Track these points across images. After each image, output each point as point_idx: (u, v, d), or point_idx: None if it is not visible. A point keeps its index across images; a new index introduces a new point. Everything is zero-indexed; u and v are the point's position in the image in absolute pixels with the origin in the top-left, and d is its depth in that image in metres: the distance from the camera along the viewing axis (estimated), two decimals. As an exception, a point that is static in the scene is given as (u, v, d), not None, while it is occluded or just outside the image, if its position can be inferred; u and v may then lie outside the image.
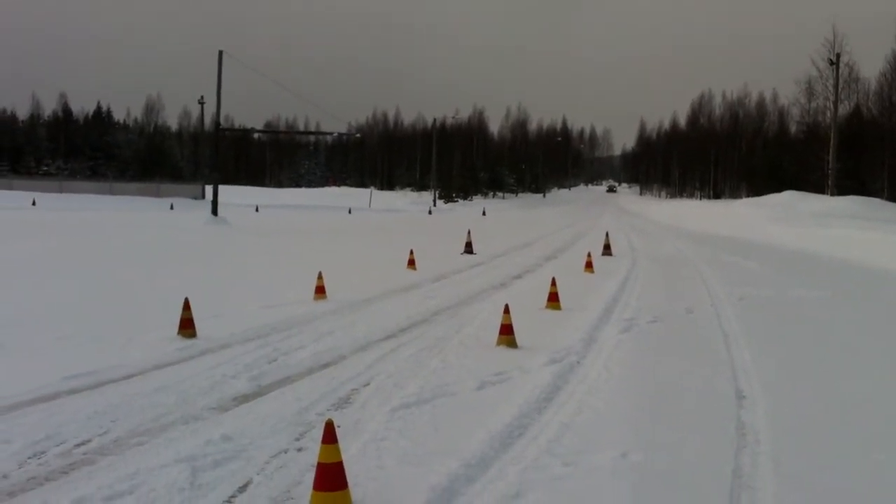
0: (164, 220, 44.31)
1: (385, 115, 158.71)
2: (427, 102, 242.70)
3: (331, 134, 71.30)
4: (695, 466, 5.89)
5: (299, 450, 6.18)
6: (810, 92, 66.09)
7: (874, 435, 6.87)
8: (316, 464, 5.10)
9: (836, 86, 52.12)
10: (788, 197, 48.78)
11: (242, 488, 5.37)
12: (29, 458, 5.82)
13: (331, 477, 5.00)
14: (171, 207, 61.61)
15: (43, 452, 5.95)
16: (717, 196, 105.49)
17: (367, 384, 8.28)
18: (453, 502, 5.17)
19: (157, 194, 76.51)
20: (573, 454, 6.09)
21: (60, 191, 75.58)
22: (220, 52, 43.51)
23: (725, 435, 6.70)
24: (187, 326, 10.52)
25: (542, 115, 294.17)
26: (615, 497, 5.29)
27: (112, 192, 77.09)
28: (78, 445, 6.15)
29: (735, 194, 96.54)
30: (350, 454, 5.91)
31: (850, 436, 6.82)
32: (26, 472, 5.54)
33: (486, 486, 5.44)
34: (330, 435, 5.05)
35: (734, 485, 5.54)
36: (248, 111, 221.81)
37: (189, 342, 10.12)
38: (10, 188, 75.20)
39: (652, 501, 5.23)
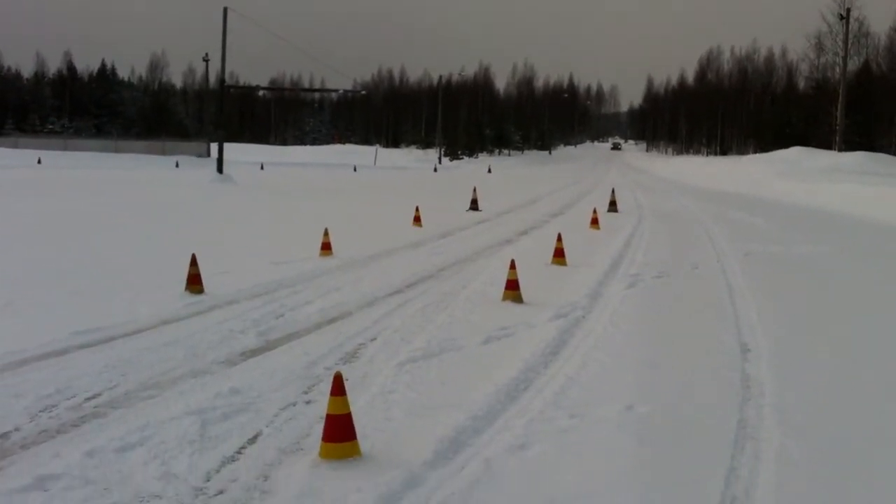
0: (170, 177, 44.27)
1: (390, 72, 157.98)
2: (433, 59, 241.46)
3: (336, 91, 70.62)
4: (700, 418, 5.94)
5: (308, 402, 6.24)
6: (820, 47, 65.60)
7: (878, 386, 6.92)
8: (325, 416, 5.16)
9: (845, 41, 51.70)
10: (796, 153, 48.58)
11: (252, 440, 5.44)
12: (40, 411, 5.89)
13: (340, 428, 5.06)
14: (177, 165, 61.51)
15: (54, 406, 6.01)
16: (724, 152, 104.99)
17: (374, 339, 8.33)
18: (461, 453, 5.23)
19: (163, 152, 76.28)
20: (579, 406, 6.14)
21: (65, 149, 75.39)
22: (225, 9, 43.13)
23: (730, 387, 6.74)
24: (195, 282, 10.56)
25: (549, 72, 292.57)
26: (620, 448, 5.34)
27: (117, 150, 76.89)
28: (88, 399, 6.21)
29: (742, 151, 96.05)
30: (358, 406, 5.96)
31: (855, 387, 6.86)
32: (38, 426, 5.60)
33: (493, 438, 5.50)
34: (339, 387, 5.10)
35: (739, 435, 5.59)
36: (252, 68, 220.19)
37: (197, 298, 10.16)
38: (16, 146, 75.08)
39: (658, 452, 5.28)
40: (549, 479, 4.83)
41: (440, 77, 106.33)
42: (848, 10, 51.76)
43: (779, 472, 4.95)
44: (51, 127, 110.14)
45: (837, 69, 55.80)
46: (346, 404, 5.10)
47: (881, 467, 5.14)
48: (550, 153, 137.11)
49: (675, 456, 5.22)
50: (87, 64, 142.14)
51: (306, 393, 6.49)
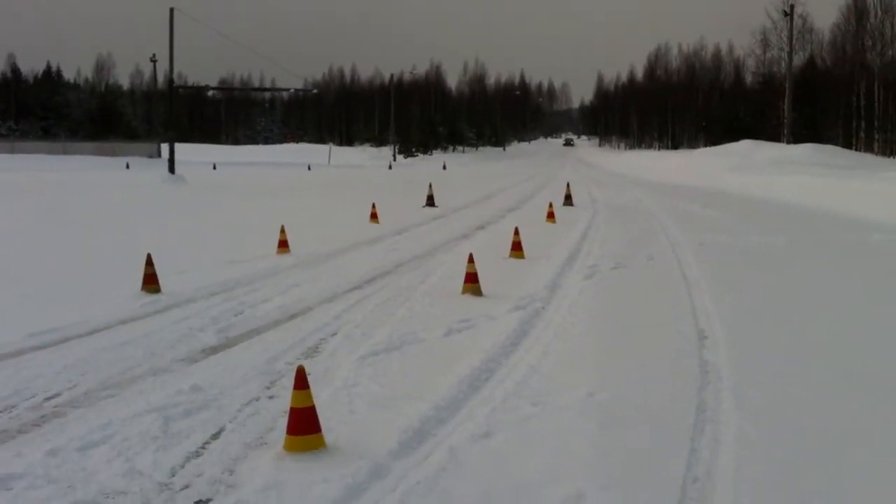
0: (121, 179, 43.69)
1: (341, 71, 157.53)
2: (384, 58, 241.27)
3: (287, 90, 70.52)
4: (660, 403, 6.03)
5: (271, 397, 6.23)
6: (765, 43, 66.64)
7: (831, 370, 7.06)
8: (288, 409, 5.15)
9: (790, 37, 52.49)
10: (746, 146, 49.23)
11: (216, 435, 5.41)
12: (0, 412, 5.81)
13: (304, 421, 5.06)
14: (127, 167, 60.70)
15: (13, 406, 5.94)
16: (675, 147, 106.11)
17: (335, 333, 8.33)
18: (425, 443, 5.25)
19: (112, 153, 75.11)
20: (541, 395, 6.20)
21: (12, 151, 73.97)
22: (172, 10, 42.69)
23: (689, 373, 6.84)
24: (151, 282, 10.46)
25: (500, 70, 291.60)
26: (583, 434, 5.40)
27: (66, 152, 75.55)
28: (48, 399, 6.14)
29: (693, 145, 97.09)
30: (321, 400, 5.92)
31: (809, 371, 6.99)
32: (-3, 426, 5.53)
33: (457, 427, 5.53)
34: (301, 380, 5.10)
35: (698, 419, 5.69)
36: (201, 68, 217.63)
37: (153, 297, 10.08)
38: (-39, 150, 73.60)
39: (619, 437, 5.35)
40: (513, 466, 4.88)
41: (391, 76, 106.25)
42: (792, 7, 52.58)
43: (738, 454, 5.04)
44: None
45: (783, 64, 56.74)
46: (310, 397, 5.11)
47: (835, 446, 5.25)
48: (504, 150, 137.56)
49: (637, 440, 5.29)
50: (31, 66, 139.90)
51: (268, 388, 6.48)
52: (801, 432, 5.46)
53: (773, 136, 58.24)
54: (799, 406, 6.02)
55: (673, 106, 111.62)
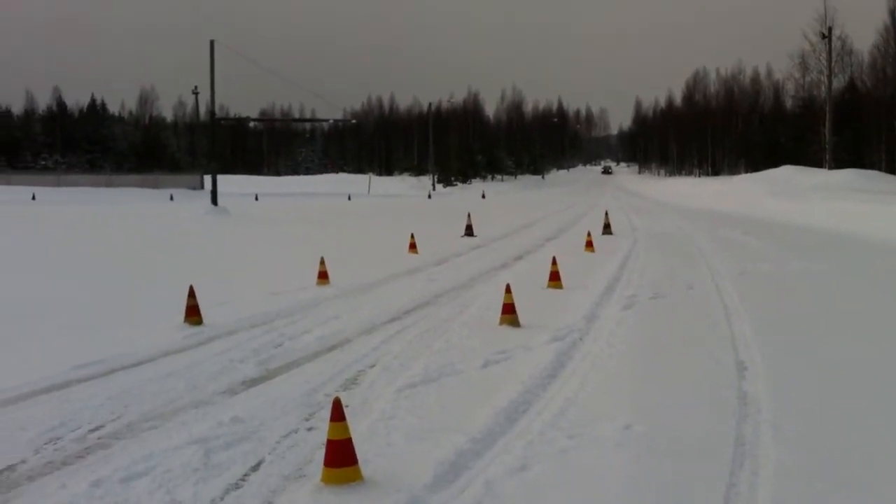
0: (165, 211, 44.37)
1: (380, 100, 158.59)
2: (422, 86, 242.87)
3: (326, 121, 71.56)
4: (698, 435, 6.01)
5: (309, 429, 6.30)
6: (804, 66, 65.92)
7: (874, 401, 6.98)
8: (326, 441, 5.22)
9: (829, 59, 52.04)
10: (786, 171, 48.79)
11: (255, 467, 5.49)
12: (45, 443, 5.95)
13: (341, 453, 5.12)
14: (171, 198, 61.64)
15: (58, 438, 6.07)
16: (715, 173, 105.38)
17: (374, 365, 8.40)
18: (461, 476, 5.28)
19: (156, 186, 76.33)
20: (578, 427, 6.21)
21: (59, 184, 75.50)
22: (212, 42, 43.45)
23: (728, 405, 6.81)
24: (193, 314, 10.63)
25: (538, 97, 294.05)
26: (620, 467, 5.40)
27: (110, 185, 76.96)
28: (92, 430, 6.27)
29: (733, 171, 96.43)
30: (359, 432, 6.01)
31: (851, 403, 6.92)
32: (43, 458, 5.66)
33: (493, 460, 5.56)
34: (338, 412, 5.17)
35: (736, 452, 5.65)
36: (243, 100, 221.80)
37: (196, 329, 10.23)
38: (9, 183, 75.12)
39: (656, 470, 5.34)
40: (549, 499, 4.89)
41: (430, 104, 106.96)
42: (830, 30, 52.13)
43: (777, 487, 5.01)
44: (43, 163, 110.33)
45: (823, 88, 56.23)
46: (347, 429, 5.17)
47: (875, 479, 5.20)
48: (543, 178, 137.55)
49: (674, 473, 5.28)
50: (76, 99, 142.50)
51: (307, 420, 6.55)
52: (842, 464, 5.41)
53: (815, 161, 57.62)
54: (840, 438, 5.97)
55: (712, 131, 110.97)
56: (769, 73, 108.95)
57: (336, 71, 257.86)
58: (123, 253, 20.40)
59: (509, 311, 10.41)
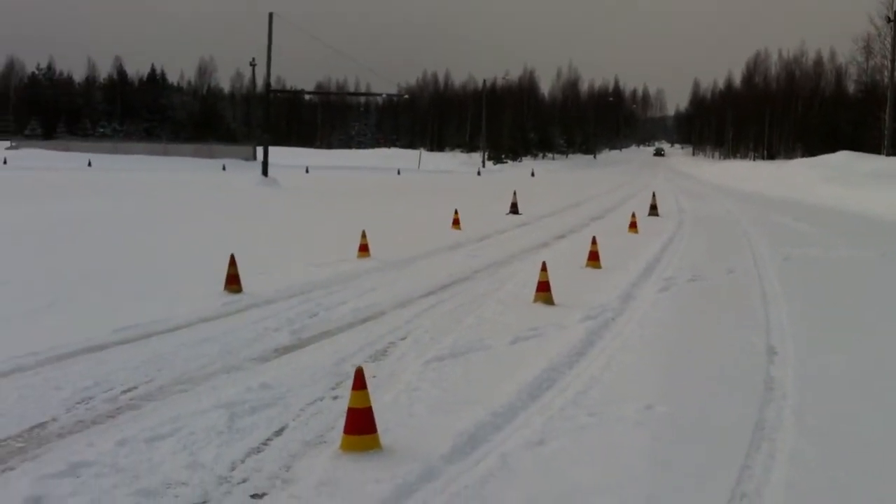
0: (216, 180, 44.94)
1: (435, 76, 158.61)
2: (478, 63, 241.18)
3: (380, 95, 71.56)
4: (718, 418, 6.01)
5: (335, 398, 6.41)
6: (868, 50, 64.53)
7: (903, 391, 6.91)
8: (346, 409, 5.32)
9: (893, 43, 50.83)
10: (843, 157, 47.86)
11: (278, 432, 5.62)
12: (77, 403, 6.13)
13: (361, 421, 5.22)
14: (224, 168, 62.41)
15: (91, 398, 6.25)
16: (770, 157, 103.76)
17: (405, 338, 8.50)
18: (478, 448, 5.36)
19: (210, 155, 77.27)
20: (599, 405, 6.24)
21: (115, 152, 76.72)
22: (271, 15, 43.83)
23: (753, 389, 6.79)
24: (233, 282, 10.81)
25: (594, 76, 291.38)
26: (636, 446, 5.43)
27: (165, 154, 78.12)
28: (124, 392, 6.45)
29: (790, 155, 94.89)
30: (383, 403, 6.13)
31: (879, 393, 6.87)
32: (74, 416, 5.84)
33: (512, 434, 5.63)
34: (360, 382, 5.26)
35: (755, 437, 5.65)
36: (299, 72, 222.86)
37: (235, 297, 10.41)
38: (67, 149, 76.67)
39: (671, 450, 5.36)
40: (562, 474, 4.95)
41: (484, 81, 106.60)
42: (895, 13, 50.93)
43: (791, 472, 5.01)
44: (102, 131, 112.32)
45: (886, 73, 54.94)
46: (367, 398, 5.26)
47: (893, 472, 5.17)
48: (595, 157, 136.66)
49: (690, 454, 5.30)
50: (137, 69, 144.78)
51: (334, 389, 6.66)
52: (860, 454, 5.39)
53: (874, 147, 56.43)
54: (862, 427, 5.94)
55: (770, 114, 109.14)
56: (832, 57, 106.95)
57: (392, 46, 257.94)
58: (171, 221, 20.75)
59: (544, 288, 10.44)
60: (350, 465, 5.00)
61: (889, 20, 51.10)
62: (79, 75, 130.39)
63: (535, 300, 10.38)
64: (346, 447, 5.20)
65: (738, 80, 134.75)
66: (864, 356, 8.11)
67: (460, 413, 5.97)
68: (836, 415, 6.17)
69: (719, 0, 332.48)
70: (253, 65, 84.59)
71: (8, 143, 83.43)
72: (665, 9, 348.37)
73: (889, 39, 52.69)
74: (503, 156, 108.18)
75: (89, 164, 59.33)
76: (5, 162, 55.27)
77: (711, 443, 5.51)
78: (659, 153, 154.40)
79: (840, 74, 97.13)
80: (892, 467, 5.20)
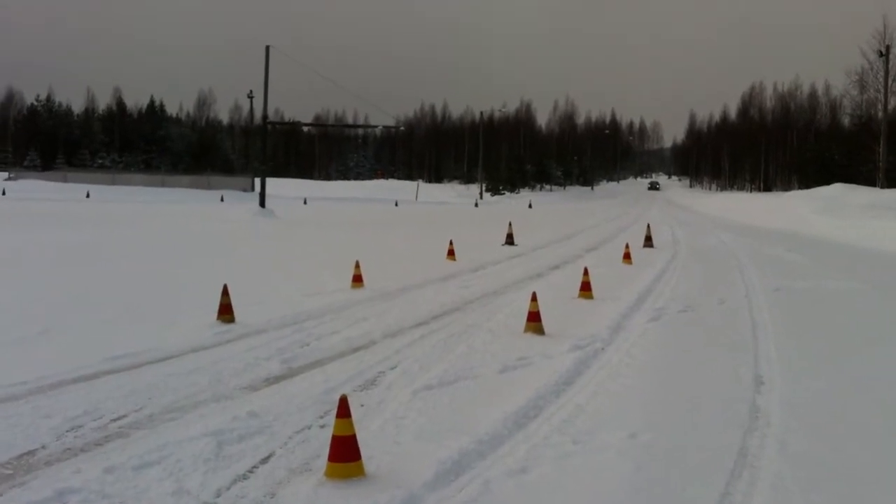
0: (214, 211, 45.10)
1: (433, 108, 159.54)
2: (475, 96, 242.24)
3: (376, 127, 71.84)
4: (702, 446, 6.07)
5: (322, 426, 6.46)
6: (861, 84, 64.97)
7: (890, 421, 6.96)
8: (331, 437, 5.38)
9: (885, 77, 51.30)
10: (837, 189, 48.14)
11: (265, 460, 5.67)
12: (67, 431, 6.18)
13: (345, 449, 5.28)
14: (222, 200, 62.64)
15: (80, 426, 6.31)
16: (767, 189, 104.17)
17: (394, 367, 8.55)
18: (462, 475, 5.41)
19: (208, 187, 77.57)
20: (583, 434, 6.30)
21: (113, 183, 77.02)
22: (267, 48, 44.16)
23: (737, 418, 6.85)
24: (226, 312, 10.87)
25: (591, 108, 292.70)
26: (618, 474, 5.49)
27: (163, 185, 78.36)
28: (114, 420, 6.50)
29: (786, 187, 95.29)
30: (370, 431, 6.20)
31: (865, 421, 6.92)
32: (63, 444, 5.89)
33: (495, 462, 5.68)
34: (344, 410, 5.33)
35: (737, 464, 5.71)
36: (297, 105, 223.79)
37: (227, 327, 10.47)
38: (65, 180, 76.89)
39: (653, 477, 5.42)
40: (543, 501, 5.00)
41: (482, 113, 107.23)
42: (888, 48, 51.33)
43: (771, 499, 5.07)
44: (100, 162, 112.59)
45: (879, 105, 55.36)
46: (351, 426, 5.32)
47: (875, 498, 5.22)
48: (592, 189, 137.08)
49: (671, 481, 5.36)
50: (136, 100, 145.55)
51: (322, 417, 6.72)
52: (843, 480, 5.45)
53: (869, 179, 56.74)
54: (846, 455, 5.99)
55: (766, 146, 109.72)
56: (827, 90, 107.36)
57: (390, 79, 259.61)
58: (167, 251, 20.82)
59: (534, 318, 10.51)
60: (333, 492, 5.05)
61: (881, 54, 51.54)
62: (78, 106, 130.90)
63: (526, 330, 10.45)
64: (331, 474, 5.26)
65: (733, 112, 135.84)
66: (850, 385, 8.17)
67: (445, 441, 6.03)
68: (820, 442, 6.23)
69: (715, 34, 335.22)
70: (251, 97, 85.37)
71: (6, 175, 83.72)
72: (661, 42, 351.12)
73: (881, 73, 53.13)
74: (501, 187, 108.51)
75: (87, 196, 59.53)
76: (3, 193, 55.46)
77: (693, 471, 5.56)
78: (654, 187, 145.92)
79: (834, 107, 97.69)
80: (876, 492, 5.25)
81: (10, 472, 5.33)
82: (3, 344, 8.97)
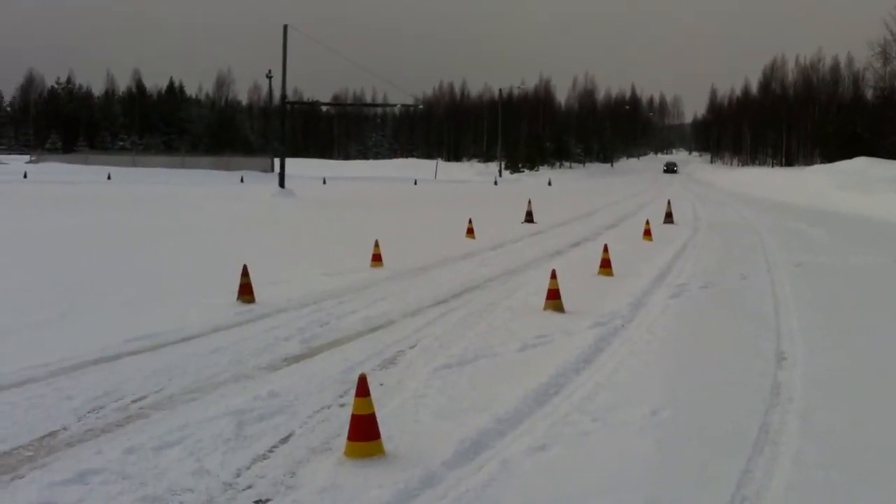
0: (234, 192, 45.20)
1: (451, 87, 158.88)
2: (494, 73, 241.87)
3: (395, 105, 71.84)
4: (723, 423, 6.03)
5: (342, 405, 6.46)
6: (885, 55, 64.17)
7: (911, 395, 6.90)
8: (350, 416, 5.38)
9: (910, 48, 50.54)
10: (860, 163, 47.60)
11: (284, 439, 5.68)
12: (88, 412, 6.22)
13: (364, 428, 5.28)
14: (242, 180, 62.69)
15: (101, 407, 6.34)
16: (789, 163, 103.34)
17: (414, 346, 8.55)
18: (480, 454, 5.40)
19: (228, 167, 77.66)
20: (603, 411, 6.27)
21: (134, 165, 77.44)
22: (285, 27, 44.08)
23: (759, 394, 6.80)
24: (246, 292, 10.89)
25: (610, 84, 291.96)
26: (638, 451, 5.46)
27: (184, 166, 78.62)
28: (135, 401, 6.53)
29: (808, 161, 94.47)
30: (389, 410, 6.20)
31: (887, 398, 6.86)
32: (84, 425, 5.92)
33: (514, 440, 5.67)
34: (363, 389, 5.33)
35: (759, 440, 5.67)
36: (316, 84, 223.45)
37: (247, 307, 10.49)
38: (86, 162, 77.32)
39: (674, 455, 5.39)
40: (563, 479, 4.99)
41: (500, 90, 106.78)
42: (913, 18, 50.63)
43: (792, 476, 5.03)
44: (121, 143, 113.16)
45: (903, 77, 54.64)
46: (371, 405, 5.32)
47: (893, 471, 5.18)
48: (612, 166, 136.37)
49: (692, 458, 5.32)
50: (155, 82, 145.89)
51: (341, 397, 6.72)
52: (863, 457, 5.40)
53: (893, 153, 56.10)
54: (866, 431, 5.94)
55: (788, 121, 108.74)
56: (850, 62, 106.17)
57: (408, 57, 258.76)
58: (188, 232, 20.90)
59: (554, 296, 10.47)
60: (353, 471, 5.06)
61: (905, 25, 50.76)
62: (98, 89, 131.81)
63: (546, 308, 10.41)
64: (350, 453, 5.26)
65: (755, 86, 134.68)
66: (872, 361, 8.10)
67: (465, 419, 6.02)
68: (842, 418, 6.18)
69: (735, 7, 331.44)
70: (269, 77, 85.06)
71: (28, 157, 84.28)
72: (680, 16, 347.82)
73: (905, 44, 52.36)
74: (520, 165, 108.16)
75: (109, 178, 59.76)
76: (25, 175, 55.79)
77: (714, 447, 5.52)
78: (671, 169, 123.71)
79: (857, 80, 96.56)
80: (894, 468, 5.21)
81: (32, 453, 5.37)
82: (25, 326, 9.03)
